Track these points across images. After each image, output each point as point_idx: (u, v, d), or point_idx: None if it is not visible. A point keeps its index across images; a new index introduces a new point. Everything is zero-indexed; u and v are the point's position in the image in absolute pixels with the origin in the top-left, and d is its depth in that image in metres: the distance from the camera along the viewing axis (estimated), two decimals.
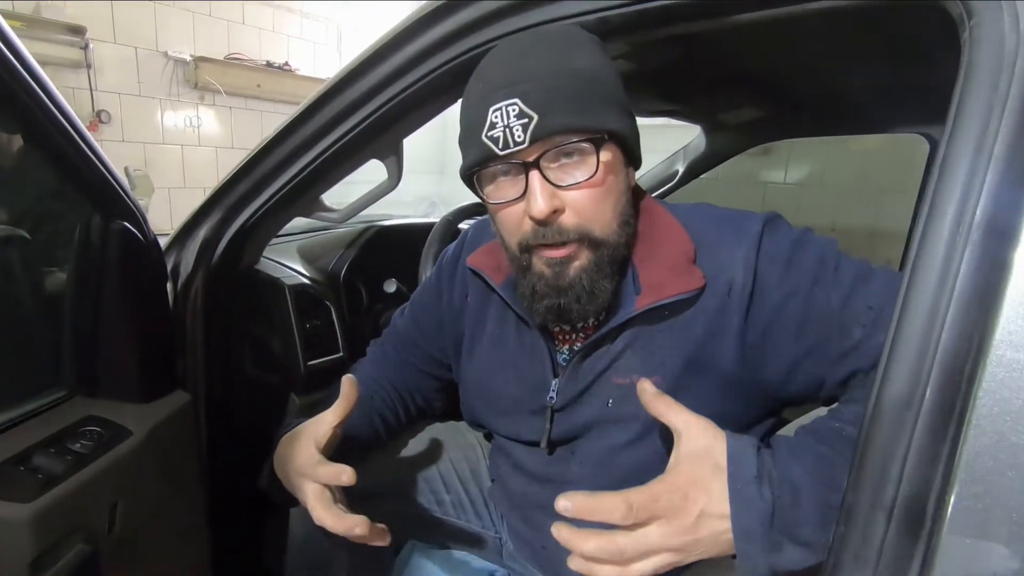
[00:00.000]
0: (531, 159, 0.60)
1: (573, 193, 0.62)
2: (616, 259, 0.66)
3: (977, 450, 0.37)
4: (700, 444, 0.54)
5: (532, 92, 0.59)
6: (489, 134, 0.61)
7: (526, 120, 0.58)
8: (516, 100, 0.59)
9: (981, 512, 0.36)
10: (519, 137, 0.59)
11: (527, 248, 0.65)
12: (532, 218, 0.62)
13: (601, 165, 0.61)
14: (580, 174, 0.61)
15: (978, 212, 0.38)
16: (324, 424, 0.69)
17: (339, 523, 0.63)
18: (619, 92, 0.65)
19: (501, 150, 0.60)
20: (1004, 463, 0.36)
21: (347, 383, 0.70)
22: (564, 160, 0.61)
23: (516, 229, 0.65)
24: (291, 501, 0.72)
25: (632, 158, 0.68)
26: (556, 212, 0.61)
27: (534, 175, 0.61)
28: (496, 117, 0.60)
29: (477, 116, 0.62)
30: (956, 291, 0.38)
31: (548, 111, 0.58)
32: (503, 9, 0.69)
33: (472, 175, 0.66)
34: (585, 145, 0.60)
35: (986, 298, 0.37)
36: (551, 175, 0.61)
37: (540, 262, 0.65)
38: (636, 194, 0.73)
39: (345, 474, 0.63)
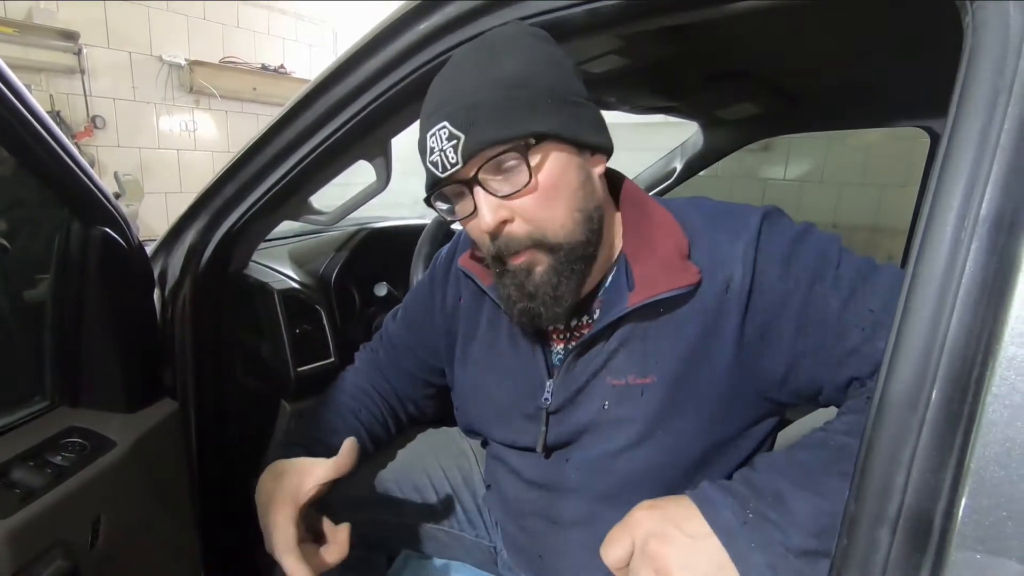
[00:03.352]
0: (470, 176, 0.61)
1: (518, 201, 0.61)
2: (581, 258, 0.65)
3: (987, 458, 0.35)
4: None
5: (456, 112, 0.60)
6: (430, 159, 0.62)
7: (455, 141, 0.60)
8: (445, 123, 0.60)
9: (992, 525, 0.34)
10: (452, 159, 0.60)
11: (494, 258, 0.66)
12: (483, 231, 0.63)
13: (533, 170, 0.60)
14: (519, 181, 0.61)
15: (984, 206, 0.36)
16: (311, 479, 0.69)
17: None
18: (557, 86, 0.62)
19: (441, 173, 0.62)
20: (1016, 472, 0.34)
21: (349, 446, 0.70)
22: (505, 170, 0.61)
23: (481, 240, 0.66)
24: None
25: (591, 147, 0.66)
26: (504, 222, 0.62)
27: (477, 191, 0.62)
28: (433, 142, 0.61)
29: (421, 143, 0.64)
30: (962, 289, 0.36)
31: (471, 128, 0.59)
32: (487, 5, 0.67)
33: (431, 198, 0.68)
34: (513, 154, 0.60)
35: (994, 296, 0.35)
36: (494, 187, 0.61)
37: (507, 271, 0.66)
38: (615, 183, 0.71)
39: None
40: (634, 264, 0.66)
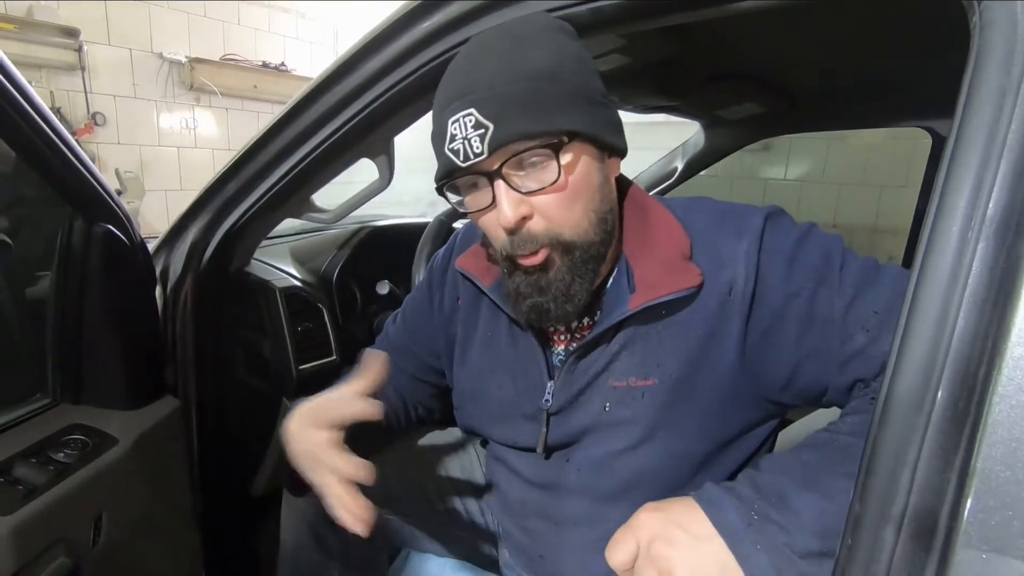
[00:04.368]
0: (493, 168, 0.59)
1: (540, 198, 0.60)
2: (594, 258, 0.64)
3: (993, 458, 0.35)
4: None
5: (486, 100, 0.57)
6: (450, 147, 0.60)
7: (483, 131, 0.57)
8: (472, 110, 0.58)
9: (998, 525, 0.34)
10: (478, 148, 0.58)
11: (507, 256, 0.64)
12: (503, 227, 0.61)
13: (563, 169, 0.59)
14: (544, 179, 0.59)
15: (990, 206, 0.36)
16: (347, 398, 0.66)
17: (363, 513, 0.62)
18: (585, 83, 0.61)
19: (463, 162, 0.59)
20: (1022, 472, 0.34)
21: (377, 359, 0.68)
22: (529, 165, 0.60)
23: (495, 236, 0.64)
24: (297, 488, 0.69)
25: (609, 149, 0.65)
26: (525, 218, 0.60)
27: (499, 184, 0.59)
28: (455, 129, 0.59)
29: (439, 128, 0.61)
30: (968, 289, 0.36)
31: (503, 119, 0.57)
32: (490, 4, 0.67)
33: (443, 187, 0.65)
34: (545, 150, 0.59)
35: (1000, 296, 0.35)
36: (516, 182, 0.60)
37: (520, 268, 0.64)
38: (621, 184, 0.71)
39: (364, 471, 0.62)
40: (634, 265, 0.66)
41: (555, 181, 0.59)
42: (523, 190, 0.60)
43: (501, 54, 0.60)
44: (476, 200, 0.64)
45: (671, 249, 0.64)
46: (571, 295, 0.63)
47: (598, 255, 0.64)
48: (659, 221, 0.67)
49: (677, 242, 0.64)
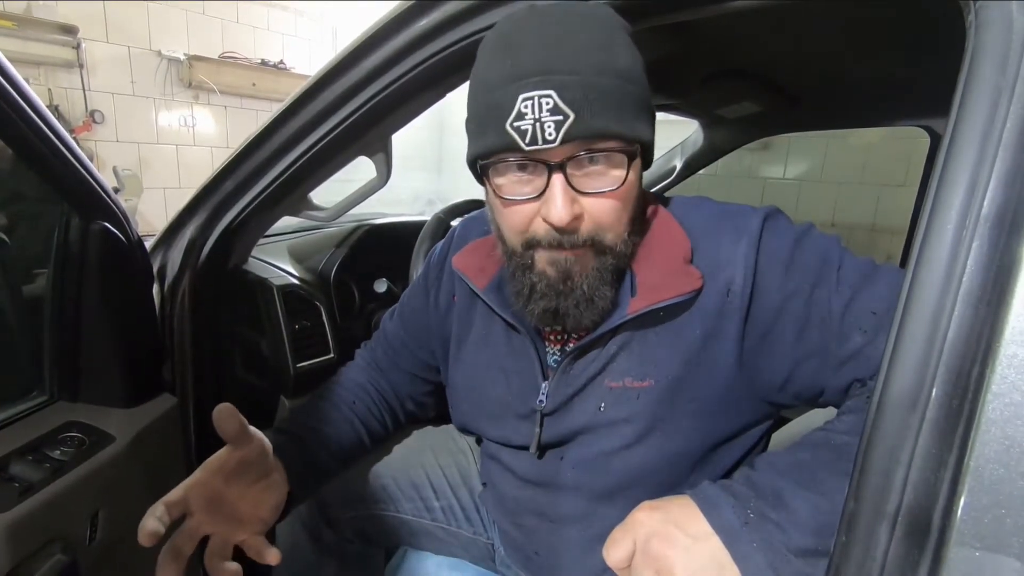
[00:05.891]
0: (557, 160, 0.56)
1: (593, 200, 0.58)
2: (619, 267, 0.64)
3: (986, 456, 0.35)
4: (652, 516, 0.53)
5: (570, 87, 0.53)
6: (516, 124, 0.55)
7: (560, 117, 0.53)
8: (551, 93, 0.53)
9: (991, 522, 0.34)
10: (550, 135, 0.54)
11: (532, 245, 0.62)
12: (549, 223, 0.58)
13: (629, 177, 0.58)
14: (605, 183, 0.57)
15: (985, 204, 0.36)
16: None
17: None
18: (648, 92, 0.59)
19: (528, 144, 0.55)
20: (1015, 470, 0.34)
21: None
22: (589, 165, 0.57)
23: (524, 227, 0.61)
24: None
25: (650, 164, 0.65)
26: (576, 218, 0.58)
27: (557, 178, 0.56)
28: (526, 107, 0.54)
29: (502, 100, 0.55)
30: (962, 288, 0.36)
31: (586, 111, 0.53)
32: (486, 3, 0.66)
33: (483, 162, 0.61)
34: (617, 155, 0.56)
35: (994, 294, 0.35)
36: (574, 180, 0.57)
37: (544, 260, 0.62)
38: (643, 196, 0.70)
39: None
40: (637, 269, 0.65)
41: (619, 187, 0.57)
42: (584, 190, 0.57)
43: (585, 38, 0.55)
44: (518, 187, 0.60)
45: (672, 252, 0.64)
46: (595, 301, 0.62)
47: (624, 266, 0.64)
48: (661, 224, 0.67)
49: (678, 245, 0.64)
